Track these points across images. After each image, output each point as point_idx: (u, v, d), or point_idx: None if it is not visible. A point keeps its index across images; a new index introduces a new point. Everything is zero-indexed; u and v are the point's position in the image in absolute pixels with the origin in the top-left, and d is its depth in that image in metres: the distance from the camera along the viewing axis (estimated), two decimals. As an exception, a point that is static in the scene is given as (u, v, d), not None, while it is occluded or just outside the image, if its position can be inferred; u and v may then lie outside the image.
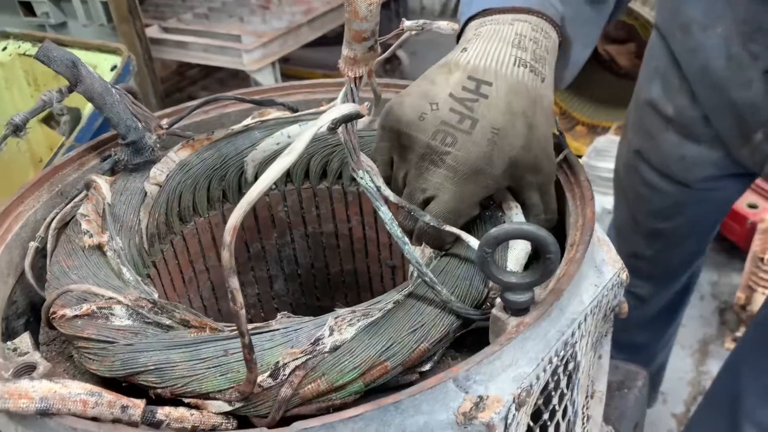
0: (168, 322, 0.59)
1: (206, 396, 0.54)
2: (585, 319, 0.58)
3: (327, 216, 0.91)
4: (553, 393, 0.60)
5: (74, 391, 0.49)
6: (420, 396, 0.48)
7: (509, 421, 0.50)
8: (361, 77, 0.59)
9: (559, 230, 0.70)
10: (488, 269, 0.54)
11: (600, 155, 2.42)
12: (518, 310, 0.55)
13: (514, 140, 0.64)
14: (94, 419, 0.49)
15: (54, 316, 0.61)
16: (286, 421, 0.52)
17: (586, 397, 0.74)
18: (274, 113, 0.89)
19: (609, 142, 2.45)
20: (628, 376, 1.12)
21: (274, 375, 0.53)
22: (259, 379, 0.53)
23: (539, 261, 0.53)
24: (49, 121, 1.52)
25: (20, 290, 0.73)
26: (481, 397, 0.50)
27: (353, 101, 0.59)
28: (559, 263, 0.53)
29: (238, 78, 3.29)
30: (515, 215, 0.68)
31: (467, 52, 0.67)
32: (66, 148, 1.34)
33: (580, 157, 2.30)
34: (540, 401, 0.60)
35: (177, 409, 0.52)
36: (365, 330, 0.56)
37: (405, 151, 0.67)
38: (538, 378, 0.53)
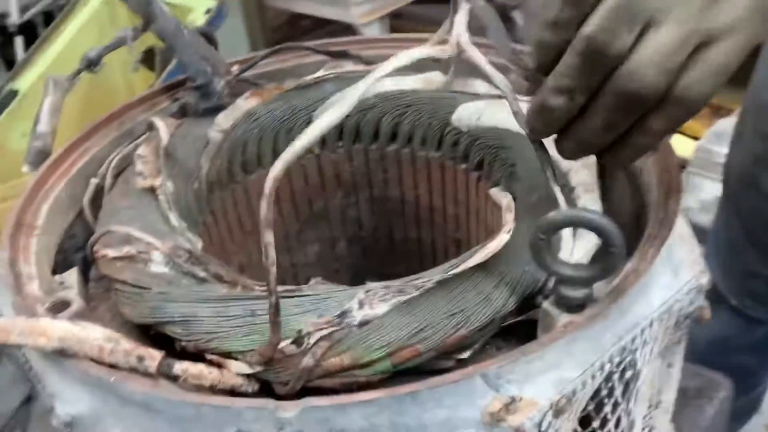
0: (202, 274, 0.57)
1: (228, 355, 0.52)
2: (651, 325, 0.51)
3: (394, 180, 0.87)
4: (606, 400, 0.54)
5: (92, 336, 0.48)
6: (442, 389, 0.43)
7: (543, 428, 0.45)
8: None
9: (638, 224, 0.63)
10: (541, 257, 0.48)
11: (721, 140, 2.22)
12: (572, 307, 0.50)
13: None
14: (112, 366, 0.49)
15: (97, 254, 0.61)
16: (306, 391, 0.49)
17: (649, 406, 0.67)
18: (348, 66, 0.85)
19: (732, 127, 2.25)
20: (709, 384, 1.02)
21: (297, 342, 0.50)
22: (282, 345, 0.50)
23: (602, 254, 0.47)
24: (149, 61, 1.55)
25: (80, 225, 0.74)
26: (513, 398, 0.44)
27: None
28: (623, 259, 0.46)
29: (349, 32, 3.27)
30: (589, 200, 0.61)
31: None
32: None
33: (696, 139, 2.13)
34: (591, 407, 0.54)
35: (195, 365, 0.50)
36: (398, 308, 0.51)
37: None
38: (584, 385, 0.47)
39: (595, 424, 0.55)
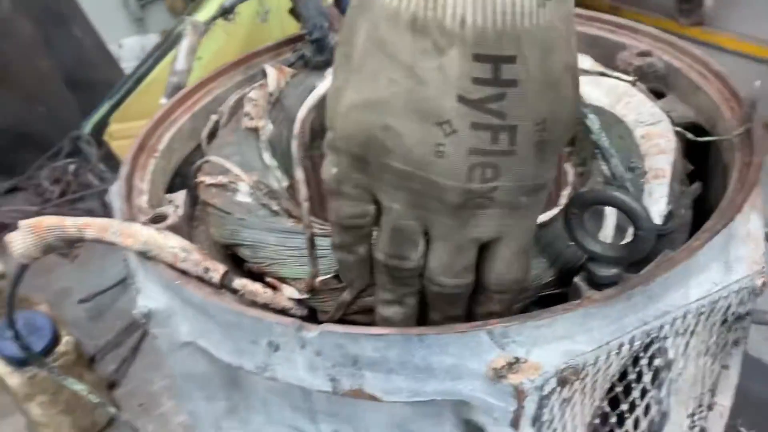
0: (276, 207, 0.64)
1: (283, 280, 0.59)
2: (684, 316, 0.51)
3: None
4: (633, 384, 0.54)
5: (170, 243, 0.56)
6: (446, 337, 0.46)
7: (545, 393, 0.47)
8: None
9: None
10: (573, 232, 0.49)
11: None
12: (601, 285, 0.50)
13: (566, 113, 0.43)
14: (183, 272, 0.57)
15: (197, 180, 0.69)
16: (343, 322, 0.54)
17: (700, 407, 0.65)
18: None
19: None
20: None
21: (339, 278, 0.55)
22: (326, 278, 0.55)
23: (632, 236, 0.47)
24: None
25: (198, 154, 0.83)
26: (517, 359, 0.47)
27: None
28: (651, 243, 0.46)
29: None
30: (656, 186, 0.60)
31: None
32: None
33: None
34: (619, 389, 0.55)
35: (253, 284, 0.57)
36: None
37: (419, 198, 0.45)
38: (596, 360, 0.48)
39: (623, 407, 0.56)
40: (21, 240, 0.59)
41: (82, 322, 1.19)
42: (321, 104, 0.83)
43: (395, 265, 0.48)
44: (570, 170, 0.63)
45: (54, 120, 1.62)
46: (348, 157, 0.45)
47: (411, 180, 0.43)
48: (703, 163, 0.70)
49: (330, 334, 0.48)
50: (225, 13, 0.87)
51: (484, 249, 0.47)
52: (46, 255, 0.61)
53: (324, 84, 0.55)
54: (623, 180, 0.52)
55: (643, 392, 0.55)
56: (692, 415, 0.64)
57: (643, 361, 0.52)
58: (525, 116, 0.41)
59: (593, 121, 0.52)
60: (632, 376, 0.53)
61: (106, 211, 1.40)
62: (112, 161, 1.55)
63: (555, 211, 0.57)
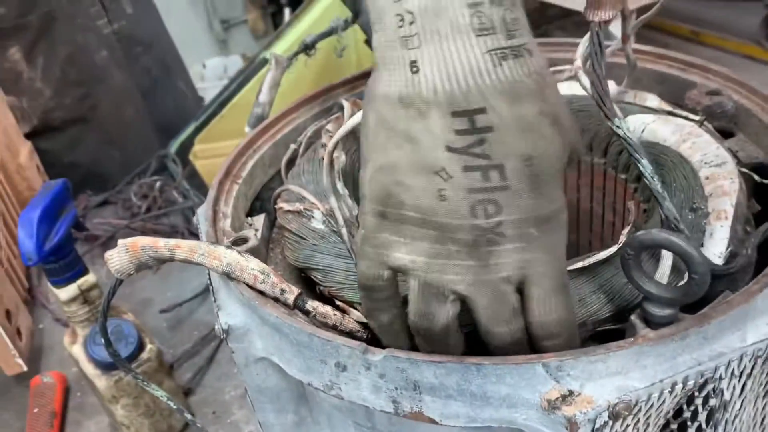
0: (347, 236, 0.68)
1: (351, 304, 0.63)
2: (740, 359, 0.52)
3: (556, 181, 0.91)
4: (689, 423, 0.55)
5: (251, 266, 0.61)
6: (503, 368, 0.49)
7: (598, 426, 0.49)
8: (607, 22, 0.56)
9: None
10: (628, 272, 0.51)
11: None
12: (657, 324, 0.52)
13: (552, 149, 0.49)
14: (261, 293, 0.61)
15: (276, 206, 0.75)
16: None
17: (760, 449, 0.65)
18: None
19: None
20: None
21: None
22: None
23: (687, 279, 0.49)
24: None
25: (278, 180, 0.89)
26: (571, 392, 0.49)
27: (598, 49, 0.56)
28: (705, 286, 0.48)
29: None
30: (717, 228, 0.61)
31: (421, 72, 0.48)
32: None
33: None
34: (674, 427, 0.56)
35: (324, 306, 0.62)
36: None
37: (438, 244, 0.50)
38: (649, 397, 0.50)
39: (678, 445, 0.57)
40: (118, 257, 0.65)
41: (162, 332, 1.26)
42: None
43: (426, 327, 0.52)
44: (632, 208, 0.65)
45: (126, 164, 1.75)
46: (373, 216, 0.52)
47: (426, 227, 0.49)
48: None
49: (393, 359, 0.51)
50: (306, 48, 0.92)
51: (522, 297, 0.50)
52: (139, 272, 0.68)
53: (355, 117, 0.60)
54: (677, 222, 0.54)
55: (699, 430, 0.56)
56: (751, 457, 0.64)
57: (698, 401, 0.53)
58: (508, 155, 0.48)
59: (645, 166, 0.54)
60: (687, 414, 0.54)
61: (188, 227, 1.50)
62: (195, 179, 1.64)
63: (614, 248, 0.59)
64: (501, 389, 0.50)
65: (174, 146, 1.73)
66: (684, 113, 0.78)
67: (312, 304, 0.61)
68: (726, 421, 0.56)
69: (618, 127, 0.54)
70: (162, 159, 1.66)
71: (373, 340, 0.62)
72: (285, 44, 1.69)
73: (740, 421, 0.57)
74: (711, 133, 0.73)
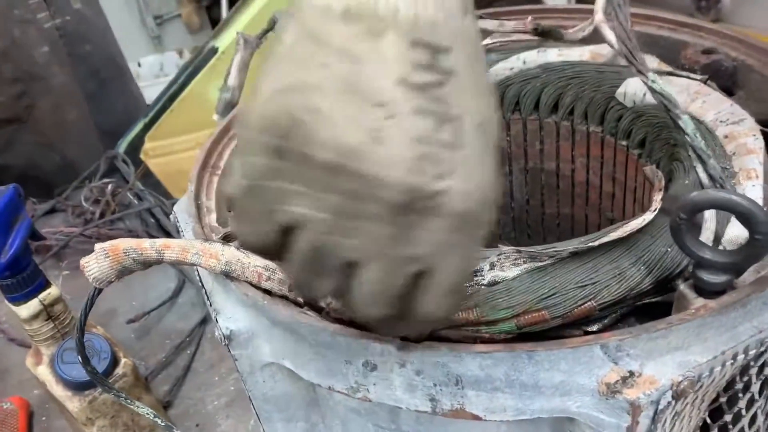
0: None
1: (366, 297, 0.57)
2: (799, 323, 0.48)
3: (550, 153, 0.87)
4: (740, 395, 0.52)
5: (254, 263, 0.55)
6: (558, 353, 0.45)
7: (661, 407, 0.45)
8: None
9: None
10: (680, 238, 0.47)
11: None
12: (710, 293, 0.48)
13: (496, 125, 0.41)
14: (266, 291, 0.55)
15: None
16: (432, 338, 0.52)
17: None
18: (515, 36, 0.85)
19: None
20: None
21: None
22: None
23: (747, 240, 0.45)
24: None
25: (256, 170, 0.82)
26: (631, 372, 0.45)
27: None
28: (768, 248, 0.44)
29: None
30: (749, 187, 0.57)
31: None
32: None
33: None
34: (723, 399, 0.52)
35: (337, 300, 0.56)
36: (529, 273, 0.53)
37: (347, 200, 0.37)
38: (711, 371, 0.46)
39: (727, 417, 0.53)
40: (96, 264, 0.58)
41: (130, 343, 1.18)
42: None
43: (306, 296, 0.44)
44: (658, 173, 0.61)
45: (67, 169, 1.61)
46: (263, 154, 0.38)
47: (341, 175, 0.37)
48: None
49: (433, 353, 0.46)
50: (276, 25, 0.86)
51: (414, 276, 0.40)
52: (121, 278, 0.60)
53: None
54: (723, 182, 0.50)
55: (750, 402, 0.53)
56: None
57: (753, 371, 0.50)
58: (467, 111, 0.38)
59: (687, 122, 0.50)
60: (739, 386, 0.51)
61: (147, 230, 1.41)
62: (150, 179, 1.55)
63: (650, 215, 0.55)
64: (554, 376, 0.46)
65: (123, 146, 1.63)
66: (685, 73, 0.75)
67: (325, 300, 0.55)
68: (778, 390, 0.53)
69: (654, 81, 0.50)
70: (111, 161, 1.55)
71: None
72: (235, 30, 1.61)
73: (789, 388, 0.55)
74: (718, 91, 0.71)
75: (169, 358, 1.12)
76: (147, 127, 1.63)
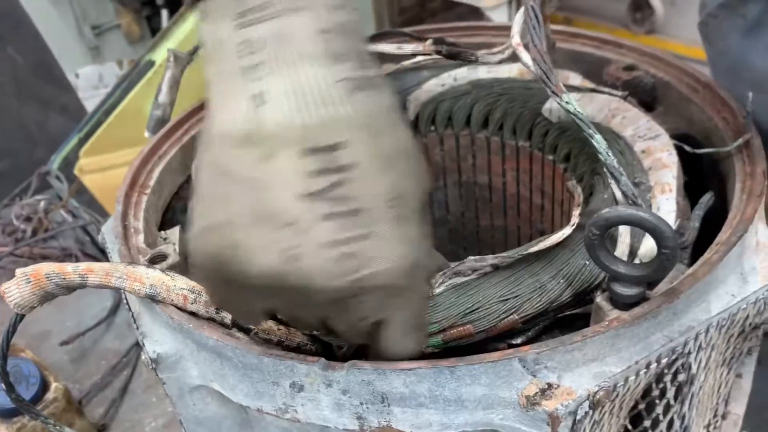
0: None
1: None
2: (707, 331, 0.51)
3: (482, 167, 0.89)
4: (657, 401, 0.54)
5: (179, 285, 0.54)
6: (479, 367, 0.45)
7: (579, 417, 0.46)
8: None
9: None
10: (594, 253, 0.49)
11: None
12: (624, 305, 0.50)
13: (413, 187, 0.43)
14: (192, 314, 0.55)
15: (195, 215, 0.67)
16: (359, 355, 0.53)
17: (715, 416, 0.65)
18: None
19: None
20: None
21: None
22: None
23: (655, 255, 0.47)
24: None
25: (188, 188, 0.81)
26: (549, 385, 0.46)
27: (537, 23, 0.54)
28: (675, 261, 0.46)
29: (477, 15, 3.25)
30: (663, 201, 0.60)
31: (268, 105, 0.40)
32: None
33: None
34: (642, 406, 0.54)
35: (266, 321, 0.56)
36: (454, 288, 0.54)
37: (295, 298, 0.42)
38: (626, 380, 0.48)
39: (646, 423, 0.55)
40: (17, 290, 0.56)
41: (64, 366, 1.14)
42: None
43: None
44: (578, 188, 0.63)
45: None
46: (215, 285, 0.45)
47: (278, 293, 0.42)
48: (695, 174, 0.71)
49: (358, 371, 0.47)
50: (208, 42, 0.85)
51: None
52: (44, 303, 0.59)
53: None
54: (635, 198, 0.52)
55: (666, 408, 0.55)
56: (708, 425, 0.65)
57: (667, 378, 0.52)
58: (374, 195, 0.41)
59: (599, 141, 0.52)
60: (655, 393, 0.53)
61: (82, 248, 1.37)
62: (84, 196, 1.51)
63: (568, 230, 0.56)
64: (476, 390, 0.47)
65: (56, 162, 1.58)
66: (607, 90, 0.78)
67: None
68: (692, 395, 0.55)
69: (568, 102, 0.51)
70: (44, 177, 1.51)
71: (324, 352, 0.57)
72: (172, 44, 1.59)
73: (703, 393, 0.57)
74: (637, 107, 0.73)
75: (105, 380, 1.09)
76: (81, 142, 1.58)
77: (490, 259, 0.54)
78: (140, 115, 1.62)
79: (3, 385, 0.67)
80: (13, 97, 1.60)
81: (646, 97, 0.79)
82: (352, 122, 0.40)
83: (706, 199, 0.58)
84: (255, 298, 0.43)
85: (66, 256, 1.34)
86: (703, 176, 0.69)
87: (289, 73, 0.40)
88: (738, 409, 0.66)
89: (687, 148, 0.67)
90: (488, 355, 0.46)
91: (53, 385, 0.88)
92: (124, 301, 0.62)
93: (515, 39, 0.54)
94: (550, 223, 0.87)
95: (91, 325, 1.18)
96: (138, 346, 1.16)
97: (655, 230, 0.45)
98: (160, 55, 1.59)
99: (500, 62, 0.61)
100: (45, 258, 1.34)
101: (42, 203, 1.40)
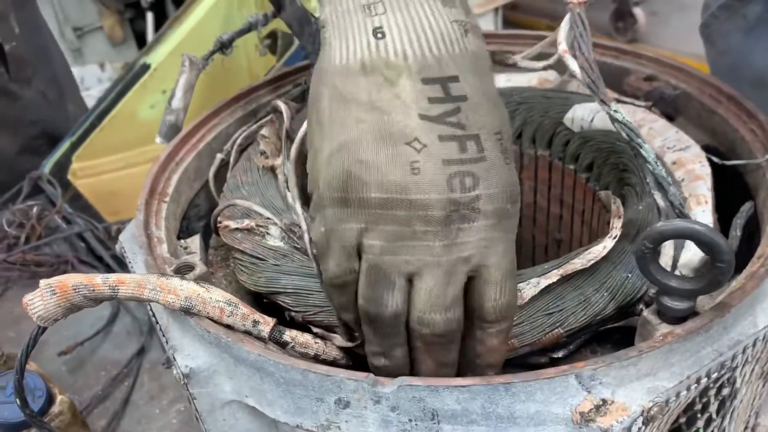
0: (314, 251, 0.61)
1: (331, 329, 0.56)
2: (754, 344, 0.51)
3: (500, 176, 0.88)
4: (699, 415, 0.53)
5: (215, 297, 0.53)
6: (535, 384, 0.45)
7: (632, 434, 0.46)
8: (586, 2, 0.54)
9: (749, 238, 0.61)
10: (645, 267, 0.48)
11: None
12: (673, 318, 0.49)
13: (509, 127, 0.48)
14: (228, 327, 0.53)
15: (219, 225, 0.66)
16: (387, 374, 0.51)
17: (746, 428, 0.65)
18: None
19: None
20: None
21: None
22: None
23: (709, 268, 0.47)
24: (271, 45, 1.61)
25: (204, 195, 0.80)
26: (604, 401, 0.45)
27: (584, 31, 0.54)
28: (730, 274, 0.46)
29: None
30: (700, 212, 0.60)
31: (388, 37, 0.45)
32: (276, 70, 1.42)
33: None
34: (683, 420, 0.54)
35: (303, 335, 0.54)
36: (498, 301, 0.53)
37: (402, 226, 0.44)
38: (677, 395, 0.47)
39: (687, 437, 0.55)
40: (41, 302, 0.54)
41: (62, 376, 1.11)
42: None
43: (374, 313, 0.46)
44: (616, 199, 0.63)
45: None
46: (333, 206, 0.46)
47: (392, 208, 0.44)
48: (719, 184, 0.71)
49: (409, 388, 0.45)
50: (223, 47, 0.83)
51: (470, 280, 0.46)
52: (68, 316, 0.57)
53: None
54: (683, 209, 0.52)
55: (708, 422, 0.54)
56: (739, 438, 0.64)
57: (711, 392, 0.52)
58: (483, 126, 0.45)
59: (648, 151, 0.52)
60: (698, 407, 0.53)
61: (77, 255, 1.34)
62: (78, 202, 1.47)
63: (610, 242, 0.56)
64: (530, 407, 0.46)
65: (48, 166, 1.54)
66: (630, 100, 0.78)
67: (290, 334, 0.54)
68: (734, 409, 0.55)
69: (616, 111, 0.51)
70: (36, 181, 1.47)
71: (356, 364, 0.55)
72: (168, 47, 1.56)
73: (742, 406, 0.57)
74: (663, 118, 0.73)
75: (106, 391, 1.06)
76: (74, 147, 1.54)
77: (540, 278, 0.53)
78: (134, 119, 1.59)
79: (17, 400, 0.65)
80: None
81: (668, 109, 0.79)
82: (465, 60, 0.45)
83: (747, 208, 0.58)
84: (368, 220, 0.45)
85: (61, 263, 1.30)
86: (727, 188, 0.69)
87: (405, 11, 0.45)
88: (767, 420, 0.66)
89: (716, 159, 0.67)
90: (545, 372, 0.45)
91: (59, 398, 0.86)
92: (150, 313, 0.60)
93: (562, 46, 0.54)
94: (569, 233, 0.86)
95: (90, 334, 1.15)
96: (139, 356, 1.13)
97: (712, 244, 0.45)
98: (155, 58, 1.56)
99: (545, 68, 0.60)
100: (39, 265, 1.30)
101: (35, 209, 1.37)
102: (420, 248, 0.44)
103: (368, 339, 0.49)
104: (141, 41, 3.58)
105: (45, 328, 0.57)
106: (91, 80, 3.34)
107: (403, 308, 0.46)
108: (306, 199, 0.74)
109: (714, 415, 0.54)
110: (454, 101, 0.45)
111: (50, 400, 0.84)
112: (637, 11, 3.30)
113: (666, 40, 3.22)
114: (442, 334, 0.46)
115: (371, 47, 0.45)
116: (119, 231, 1.41)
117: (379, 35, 0.45)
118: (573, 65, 0.52)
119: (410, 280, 0.45)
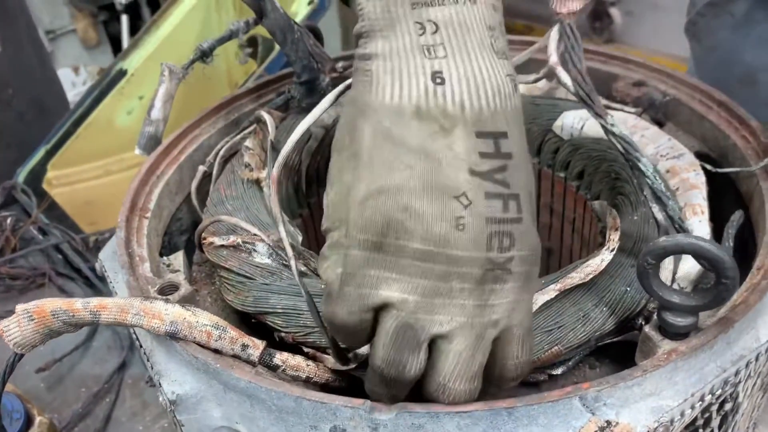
0: (303, 268, 0.59)
1: (323, 350, 0.54)
2: (757, 358, 0.50)
3: (488, 183, 0.87)
4: (700, 430, 0.52)
5: (201, 321, 0.50)
6: (538, 407, 0.43)
7: (638, 455, 0.45)
8: (575, 13, 0.53)
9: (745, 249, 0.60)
10: (647, 282, 0.47)
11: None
12: (675, 334, 0.48)
13: (534, 192, 0.47)
14: (216, 351, 0.51)
15: (204, 241, 0.64)
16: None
17: (744, 439, 0.65)
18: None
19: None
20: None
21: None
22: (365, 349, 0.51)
23: (712, 284, 0.46)
24: (251, 51, 1.58)
25: (186, 209, 0.77)
26: (609, 422, 0.44)
27: (575, 43, 0.52)
28: (735, 290, 0.45)
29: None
30: (696, 223, 0.59)
31: (447, 84, 0.42)
32: (256, 76, 1.39)
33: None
34: (684, 436, 0.53)
35: (294, 357, 0.52)
36: (496, 319, 0.51)
37: (439, 282, 0.43)
38: (682, 414, 0.46)
39: (688, 453, 0.54)
40: (18, 328, 0.52)
41: (41, 394, 1.08)
42: (318, 149, 0.79)
43: (394, 376, 0.44)
44: (612, 210, 0.62)
45: None
46: (361, 249, 0.44)
47: (431, 261, 0.43)
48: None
49: (408, 415, 0.44)
50: (204, 55, 0.81)
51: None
52: (46, 341, 0.54)
53: (308, 119, 0.54)
54: (682, 224, 0.51)
55: (710, 437, 0.53)
56: (738, 450, 0.64)
57: (714, 407, 0.51)
58: (522, 186, 0.44)
59: (647, 165, 0.51)
60: (699, 422, 0.52)
61: (54, 267, 1.30)
62: (55, 212, 1.44)
63: (608, 255, 0.55)
64: (533, 431, 0.44)
65: (22, 175, 1.50)
66: (620, 107, 0.77)
67: (281, 357, 0.52)
68: (735, 423, 0.54)
69: (613, 125, 0.50)
70: (9, 191, 1.43)
71: (350, 387, 0.54)
72: (145, 52, 1.53)
73: (742, 420, 0.56)
74: (654, 125, 0.72)
75: (86, 409, 1.03)
76: (49, 154, 1.51)
77: (539, 296, 0.52)
78: (112, 126, 1.56)
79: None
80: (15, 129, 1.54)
81: (657, 114, 0.78)
82: (516, 116, 0.44)
83: (737, 217, 0.57)
84: (403, 270, 0.43)
85: (37, 276, 1.27)
86: (717, 194, 0.69)
87: (466, 59, 0.43)
88: (766, 431, 0.66)
89: (708, 167, 0.66)
90: (548, 395, 0.44)
91: (37, 419, 0.83)
92: (134, 337, 0.58)
93: (553, 58, 0.52)
94: (558, 242, 0.85)
95: (68, 350, 1.12)
96: (120, 371, 1.10)
97: (716, 261, 0.43)
98: (132, 64, 1.53)
99: (536, 81, 0.59)
100: (14, 278, 1.26)
101: (9, 219, 1.33)
102: (454, 307, 0.43)
103: (374, 385, 0.47)
104: (116, 44, 3.52)
105: (22, 355, 0.54)
106: (66, 84, 3.28)
107: (418, 374, 0.44)
108: (290, 212, 0.72)
109: (716, 430, 0.53)
110: (503, 158, 0.43)
111: (28, 421, 0.81)
112: (614, 11, 3.31)
113: (642, 40, 3.25)
114: (465, 400, 0.45)
115: (429, 92, 0.43)
116: (97, 242, 1.38)
117: (438, 80, 0.43)
118: (566, 78, 0.50)
119: (435, 340, 0.44)
